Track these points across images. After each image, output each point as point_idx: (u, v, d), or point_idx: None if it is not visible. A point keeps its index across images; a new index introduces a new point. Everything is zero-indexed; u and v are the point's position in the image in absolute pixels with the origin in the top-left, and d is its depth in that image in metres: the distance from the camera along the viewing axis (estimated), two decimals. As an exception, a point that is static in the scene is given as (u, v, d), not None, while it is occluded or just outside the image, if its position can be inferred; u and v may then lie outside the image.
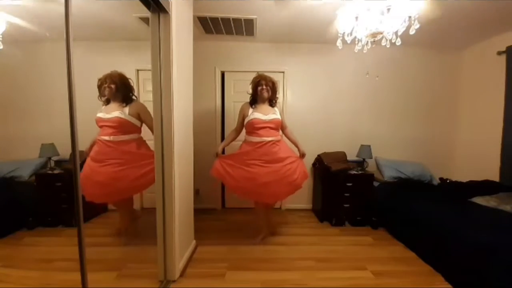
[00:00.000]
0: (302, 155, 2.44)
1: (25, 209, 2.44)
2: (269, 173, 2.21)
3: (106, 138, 2.10)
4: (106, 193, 2.09)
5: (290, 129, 2.56)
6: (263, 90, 2.29)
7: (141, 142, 2.26)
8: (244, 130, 2.44)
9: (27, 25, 2.05)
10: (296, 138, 2.54)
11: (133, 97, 2.25)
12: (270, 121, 2.29)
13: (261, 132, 2.28)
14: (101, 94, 2.14)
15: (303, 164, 2.44)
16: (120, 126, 2.11)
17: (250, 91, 2.40)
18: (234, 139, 2.50)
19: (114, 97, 2.15)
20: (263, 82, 2.29)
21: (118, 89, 2.13)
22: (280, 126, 2.39)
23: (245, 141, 2.41)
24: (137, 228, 2.52)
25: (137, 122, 2.21)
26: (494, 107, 2.91)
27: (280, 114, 2.38)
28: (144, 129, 2.29)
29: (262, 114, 2.29)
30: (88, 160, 2.13)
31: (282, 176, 2.23)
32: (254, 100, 2.37)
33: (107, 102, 2.18)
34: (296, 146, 2.49)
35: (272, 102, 2.39)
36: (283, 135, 2.52)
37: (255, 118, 2.28)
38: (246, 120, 2.34)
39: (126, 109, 2.14)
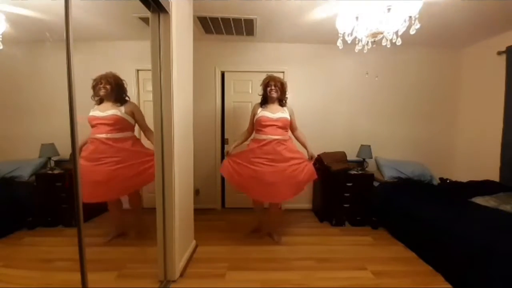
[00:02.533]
0: (311, 157, 2.46)
1: (25, 209, 2.44)
2: (274, 172, 2.23)
3: (103, 136, 2.10)
4: (104, 191, 2.08)
5: (301, 131, 2.57)
6: (272, 91, 2.34)
7: (136, 140, 2.30)
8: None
9: (29, 18, 2.04)
10: (306, 140, 2.55)
11: (126, 98, 2.28)
12: (277, 120, 2.32)
13: (267, 129, 2.32)
14: (95, 94, 2.16)
15: (311, 165, 2.43)
16: (117, 124, 2.14)
17: (260, 91, 2.45)
18: (246, 139, 2.56)
19: (108, 97, 2.18)
20: (272, 83, 2.34)
21: (113, 89, 2.16)
22: (288, 126, 2.41)
23: (252, 139, 2.46)
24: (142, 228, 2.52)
25: (131, 120, 2.25)
26: (494, 107, 2.91)
27: (291, 115, 2.41)
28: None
29: (270, 112, 2.34)
30: (81, 161, 2.12)
31: (287, 176, 2.25)
32: (265, 101, 2.42)
33: (100, 102, 2.19)
34: (305, 147, 2.52)
35: (282, 102, 2.42)
36: (294, 137, 2.54)
37: (263, 116, 2.33)
38: (255, 118, 2.40)
39: (122, 108, 2.18)
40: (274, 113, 2.34)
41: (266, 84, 2.37)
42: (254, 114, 2.43)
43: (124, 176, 2.09)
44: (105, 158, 2.09)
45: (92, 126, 2.14)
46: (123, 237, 2.43)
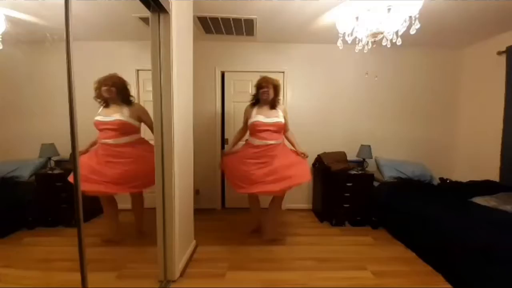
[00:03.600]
0: (302, 155, 2.42)
1: (25, 209, 2.45)
2: (265, 173, 2.23)
3: (110, 141, 2.12)
4: (109, 187, 2.09)
5: (292, 131, 2.57)
6: (264, 93, 2.30)
7: (143, 141, 2.30)
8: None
9: (29, 19, 2.05)
10: (295, 140, 2.55)
11: (131, 99, 2.26)
12: (272, 124, 2.31)
13: (263, 134, 2.30)
14: (99, 96, 2.14)
15: (305, 166, 2.37)
16: (121, 128, 2.13)
17: (253, 92, 2.43)
18: (240, 139, 2.58)
19: (114, 100, 2.16)
20: (264, 85, 2.30)
21: (118, 92, 2.14)
22: (282, 129, 2.40)
23: (246, 142, 2.45)
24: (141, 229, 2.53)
25: (137, 124, 2.24)
26: (494, 107, 2.91)
27: (284, 117, 2.39)
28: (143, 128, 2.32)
29: (265, 116, 2.32)
30: (90, 161, 2.11)
31: (277, 172, 2.22)
32: (257, 101, 2.40)
33: (106, 104, 2.18)
34: (294, 147, 2.50)
35: (274, 104, 2.37)
36: (285, 137, 2.52)
37: (257, 121, 2.30)
38: (249, 122, 2.38)
39: (126, 111, 2.16)
40: (268, 117, 2.32)
41: (258, 86, 2.34)
42: (247, 117, 2.42)
43: (131, 177, 2.11)
44: (113, 160, 2.11)
45: (99, 130, 2.14)
46: (123, 237, 2.42)
